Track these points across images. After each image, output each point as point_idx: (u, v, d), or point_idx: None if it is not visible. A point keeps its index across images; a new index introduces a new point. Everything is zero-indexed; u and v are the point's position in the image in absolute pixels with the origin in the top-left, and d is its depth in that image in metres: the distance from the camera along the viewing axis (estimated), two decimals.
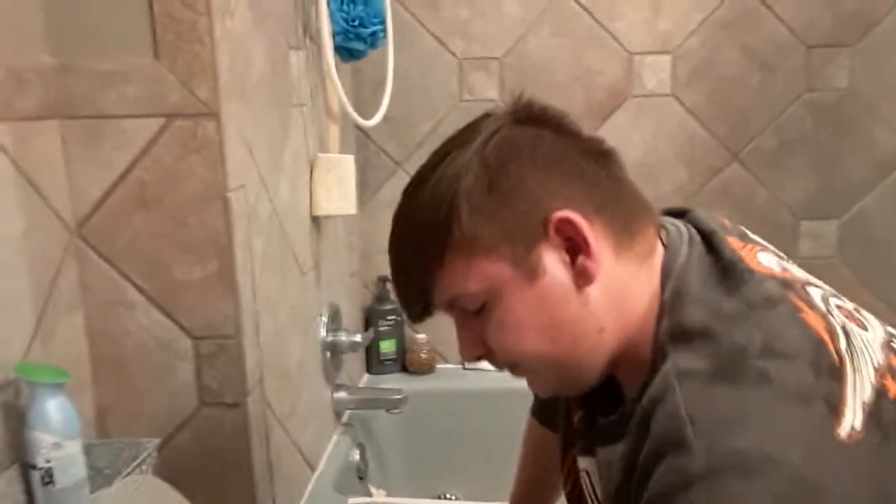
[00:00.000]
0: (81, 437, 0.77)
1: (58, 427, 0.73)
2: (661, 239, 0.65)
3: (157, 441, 0.86)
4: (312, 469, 1.25)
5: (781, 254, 0.70)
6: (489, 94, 1.66)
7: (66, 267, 0.87)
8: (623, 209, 0.63)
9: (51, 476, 0.73)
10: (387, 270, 0.66)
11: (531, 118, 0.63)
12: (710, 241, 0.63)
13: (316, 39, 1.26)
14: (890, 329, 0.62)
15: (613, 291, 0.61)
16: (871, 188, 1.70)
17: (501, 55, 1.65)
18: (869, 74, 1.65)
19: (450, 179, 0.60)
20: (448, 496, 1.62)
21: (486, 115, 0.64)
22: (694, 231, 0.65)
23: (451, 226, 0.60)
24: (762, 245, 0.69)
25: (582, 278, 0.60)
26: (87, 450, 0.80)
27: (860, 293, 1.71)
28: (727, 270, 0.60)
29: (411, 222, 0.64)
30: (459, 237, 0.60)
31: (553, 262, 0.60)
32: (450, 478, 1.65)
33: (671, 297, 0.60)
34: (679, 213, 0.70)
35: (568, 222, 0.59)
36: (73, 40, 0.85)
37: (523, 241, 0.60)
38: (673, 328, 0.58)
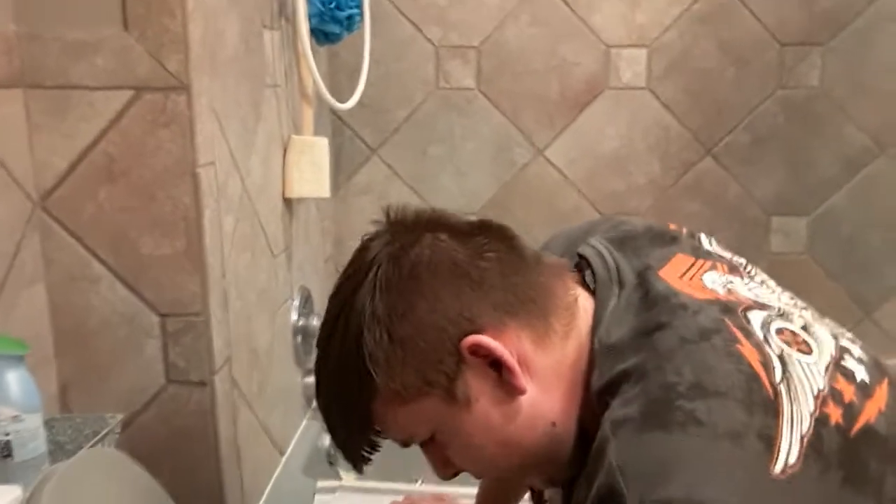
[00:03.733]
0: (42, 411, 0.75)
1: (17, 400, 0.72)
2: (587, 284, 0.65)
3: (119, 416, 0.85)
4: (281, 452, 1.24)
5: (738, 262, 0.69)
6: (466, 82, 1.66)
7: (29, 239, 0.85)
8: (531, 295, 0.62)
9: (9, 449, 0.72)
10: None
11: (407, 233, 0.62)
12: (642, 276, 0.62)
13: (291, 20, 1.25)
14: (845, 342, 0.60)
15: (550, 382, 0.61)
16: (840, 185, 1.72)
17: (478, 43, 1.65)
18: (840, 73, 1.67)
19: (350, 341, 0.60)
20: (421, 482, 1.62)
21: (363, 248, 0.63)
22: (626, 267, 0.64)
23: (368, 387, 0.60)
24: (715, 258, 0.67)
25: (513, 390, 0.60)
26: (49, 424, 0.78)
27: (829, 289, 1.73)
28: (658, 307, 0.59)
29: (332, 390, 0.64)
30: (380, 395, 0.60)
31: (480, 384, 0.60)
32: (422, 462, 1.64)
33: (600, 346, 0.59)
34: (619, 240, 0.68)
35: (479, 346, 0.59)
36: (40, 9, 0.83)
37: (443, 375, 0.59)
38: (605, 377, 0.57)
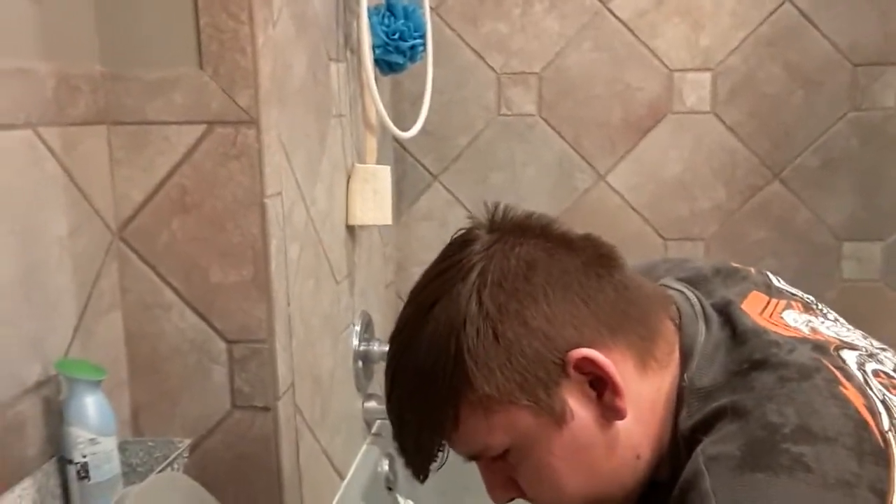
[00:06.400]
0: (117, 434, 0.78)
1: (94, 423, 0.75)
2: (671, 319, 0.61)
3: (188, 441, 0.88)
4: (341, 477, 1.26)
5: (810, 300, 0.66)
6: (527, 108, 1.67)
7: (108, 268, 0.89)
8: (637, 319, 0.59)
9: (86, 471, 0.75)
10: None
11: (516, 233, 0.58)
12: (726, 313, 0.60)
13: (356, 52, 1.28)
14: None
15: (644, 412, 0.58)
16: None
17: (540, 70, 1.66)
18: None
19: (448, 332, 0.55)
20: None
21: (466, 242, 0.59)
22: (706, 302, 0.61)
23: (460, 385, 0.55)
24: (788, 296, 0.65)
25: (611, 413, 0.57)
26: (122, 447, 0.82)
27: None
28: (749, 343, 0.56)
29: (413, 384, 0.58)
30: (472, 396, 0.56)
31: (578, 403, 0.57)
32: (480, 491, 1.63)
33: (693, 381, 0.57)
34: (691, 280, 0.65)
35: (588, 361, 0.56)
36: (122, 50, 0.88)
37: (542, 386, 0.56)
38: (696, 416, 0.55)
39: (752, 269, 0.69)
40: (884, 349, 0.63)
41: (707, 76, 1.64)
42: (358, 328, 1.35)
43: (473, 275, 0.57)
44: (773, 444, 0.50)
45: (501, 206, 0.60)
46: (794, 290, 0.68)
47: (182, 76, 0.88)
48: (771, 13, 1.60)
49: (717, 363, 0.57)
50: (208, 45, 0.88)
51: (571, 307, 0.57)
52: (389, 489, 1.39)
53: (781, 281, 0.69)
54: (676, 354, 0.60)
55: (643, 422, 0.58)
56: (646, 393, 0.58)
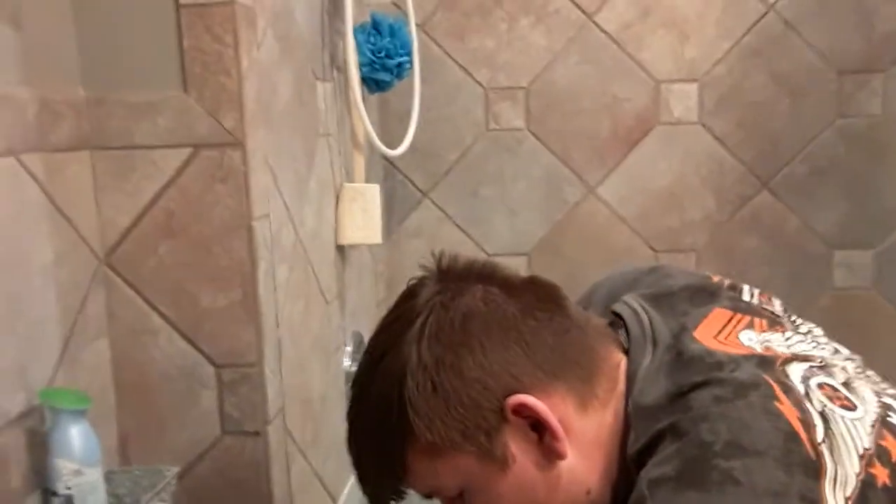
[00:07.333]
0: (103, 464, 0.77)
1: (79, 454, 0.74)
2: (622, 345, 0.64)
3: (176, 469, 0.87)
4: (334, 500, 1.24)
5: (781, 314, 0.67)
6: (515, 122, 1.67)
7: (94, 294, 0.88)
8: (576, 360, 0.61)
9: (71, 503, 0.74)
10: None
11: (459, 282, 0.61)
12: (677, 338, 0.61)
13: (343, 70, 1.28)
14: (887, 399, 0.57)
15: (589, 449, 0.60)
16: None
17: (527, 84, 1.66)
18: None
19: (391, 385, 0.59)
20: None
21: (413, 293, 0.62)
22: (661, 326, 0.63)
23: (405, 434, 0.59)
24: (754, 313, 0.65)
25: (552, 454, 0.60)
26: (108, 477, 0.80)
27: None
28: (692, 368, 0.58)
29: (366, 432, 0.63)
30: (416, 444, 0.59)
31: (520, 446, 0.60)
32: None
33: (637, 402, 0.59)
34: (655, 297, 0.66)
35: (525, 406, 0.58)
36: (106, 74, 0.87)
37: (483, 432, 0.59)
38: (642, 440, 0.57)
39: (726, 283, 0.69)
40: (850, 359, 0.63)
41: (694, 87, 1.64)
42: (350, 348, 1.34)
43: (415, 327, 0.60)
44: (705, 461, 0.52)
45: (448, 255, 0.64)
46: (765, 306, 0.68)
47: (166, 99, 0.87)
48: (755, 23, 1.61)
49: (659, 384, 0.58)
50: (192, 67, 0.87)
51: (508, 354, 0.59)
52: None
53: (756, 294, 0.69)
54: (621, 384, 0.62)
55: (588, 458, 0.61)
56: (589, 430, 0.61)
